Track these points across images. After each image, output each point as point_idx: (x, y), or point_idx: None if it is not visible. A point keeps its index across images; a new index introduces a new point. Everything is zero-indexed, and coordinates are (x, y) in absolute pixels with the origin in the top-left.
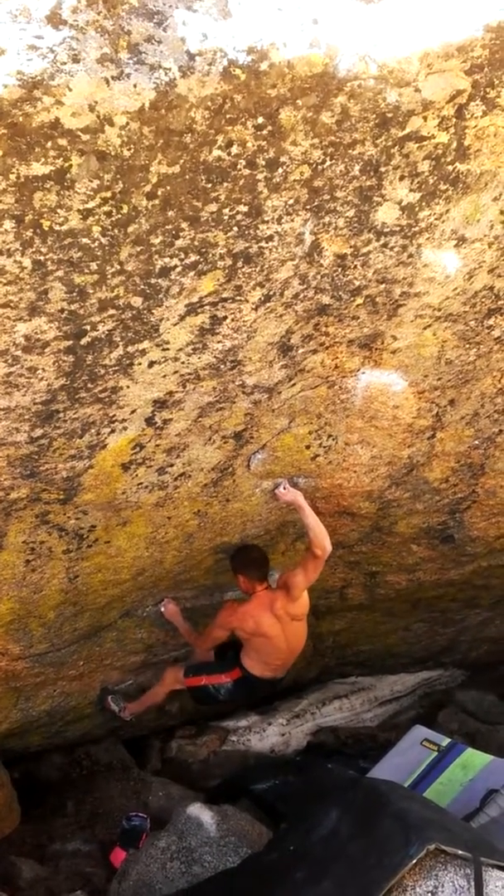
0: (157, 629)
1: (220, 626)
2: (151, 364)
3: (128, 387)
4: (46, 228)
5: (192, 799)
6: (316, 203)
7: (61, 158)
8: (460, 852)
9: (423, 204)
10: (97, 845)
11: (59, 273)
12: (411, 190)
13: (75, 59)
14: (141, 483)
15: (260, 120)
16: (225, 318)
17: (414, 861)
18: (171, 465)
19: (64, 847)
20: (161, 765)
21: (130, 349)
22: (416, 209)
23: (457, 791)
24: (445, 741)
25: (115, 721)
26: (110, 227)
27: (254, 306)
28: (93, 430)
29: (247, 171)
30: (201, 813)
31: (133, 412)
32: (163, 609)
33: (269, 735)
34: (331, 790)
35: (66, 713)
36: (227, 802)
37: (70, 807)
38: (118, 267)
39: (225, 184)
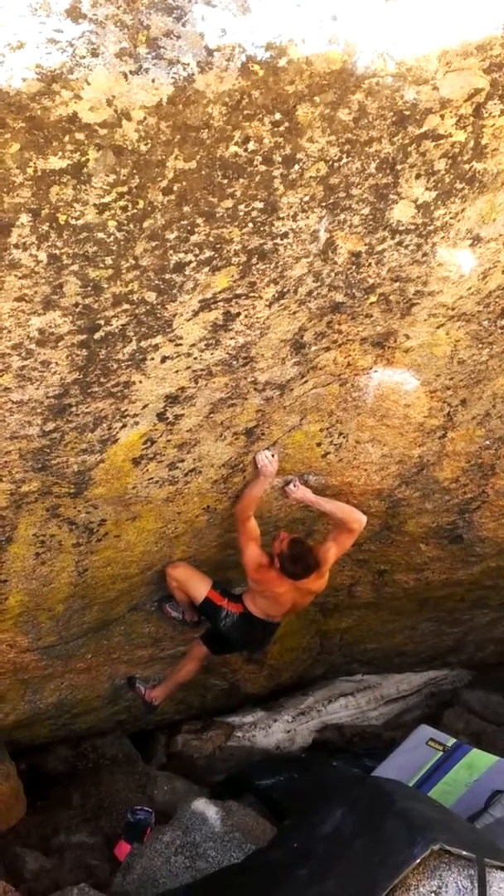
0: (165, 623)
1: (248, 544)
2: (164, 359)
3: (140, 382)
4: (62, 222)
5: (197, 794)
6: (331, 200)
7: (78, 153)
8: (464, 853)
9: (439, 203)
10: (102, 838)
11: (74, 267)
12: (427, 188)
13: (94, 54)
14: (151, 478)
15: (277, 116)
16: (238, 314)
17: (418, 861)
18: (182, 461)
19: (69, 839)
20: (166, 759)
21: (143, 344)
22: (432, 208)
23: (461, 791)
24: (451, 741)
25: (122, 714)
26: (126, 222)
27: (267, 303)
28: (104, 425)
29: (263, 168)
30: (206, 808)
31: (145, 407)
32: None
33: (275, 731)
34: (335, 788)
35: (73, 706)
36: (232, 798)
37: (76, 799)
38: (133, 262)
39: (241, 180)
